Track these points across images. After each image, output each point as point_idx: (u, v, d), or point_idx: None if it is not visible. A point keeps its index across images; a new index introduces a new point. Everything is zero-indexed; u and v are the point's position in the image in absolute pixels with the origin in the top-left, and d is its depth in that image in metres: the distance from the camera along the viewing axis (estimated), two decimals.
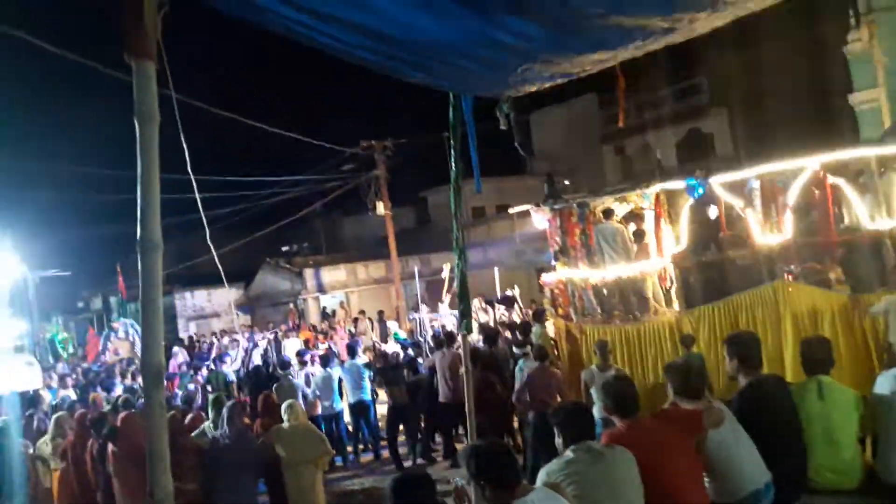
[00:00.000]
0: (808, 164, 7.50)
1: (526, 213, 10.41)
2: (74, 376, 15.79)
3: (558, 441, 3.35)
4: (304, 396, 9.92)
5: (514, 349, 8.83)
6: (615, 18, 2.87)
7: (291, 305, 26.00)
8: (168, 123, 2.37)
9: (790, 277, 7.68)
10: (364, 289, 26.85)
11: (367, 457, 10.46)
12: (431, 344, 10.85)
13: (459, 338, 6.75)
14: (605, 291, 9.10)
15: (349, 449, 10.46)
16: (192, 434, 6.78)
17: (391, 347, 12.95)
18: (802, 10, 17.31)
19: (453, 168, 5.12)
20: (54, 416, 8.40)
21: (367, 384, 10.14)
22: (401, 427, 9.88)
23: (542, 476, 3.17)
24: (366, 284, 27.09)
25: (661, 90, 28.53)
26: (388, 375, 9.98)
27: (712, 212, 8.65)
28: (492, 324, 13.54)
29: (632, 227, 9.25)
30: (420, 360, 10.83)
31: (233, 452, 6.10)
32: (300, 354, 11.98)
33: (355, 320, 18.56)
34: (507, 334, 11.42)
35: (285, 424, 6.67)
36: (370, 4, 2.56)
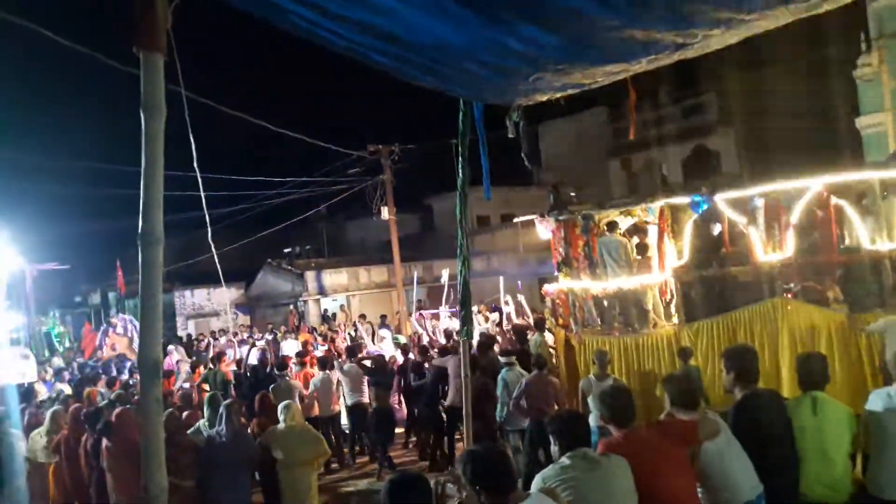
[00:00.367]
0: (812, 185, 7.53)
1: (531, 223, 10.44)
2: (70, 371, 15.77)
3: (554, 448, 3.39)
4: (301, 398, 9.90)
5: (500, 358, 8.80)
6: (629, 31, 2.89)
7: (291, 307, 25.99)
8: (172, 118, 2.36)
9: (790, 295, 7.70)
10: (365, 293, 26.83)
11: (363, 459, 10.43)
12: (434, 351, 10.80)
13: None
14: (605, 303, 9.10)
15: (346, 451, 10.44)
16: (188, 432, 6.76)
17: (387, 350, 12.94)
18: (811, 32, 17.37)
19: (460, 175, 5.14)
20: (50, 411, 8.39)
21: (366, 387, 10.13)
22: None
23: (537, 482, 3.19)
24: (367, 289, 27.07)
25: (668, 106, 28.64)
26: (375, 377, 10.03)
27: (715, 228, 8.67)
28: (491, 331, 13.51)
29: (635, 240, 9.28)
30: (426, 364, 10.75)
31: (229, 451, 6.10)
32: (299, 356, 11.97)
33: (355, 324, 18.54)
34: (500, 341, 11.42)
35: (282, 425, 6.66)
36: (383, 6, 2.57)
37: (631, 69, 3.59)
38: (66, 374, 14.98)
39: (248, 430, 7.11)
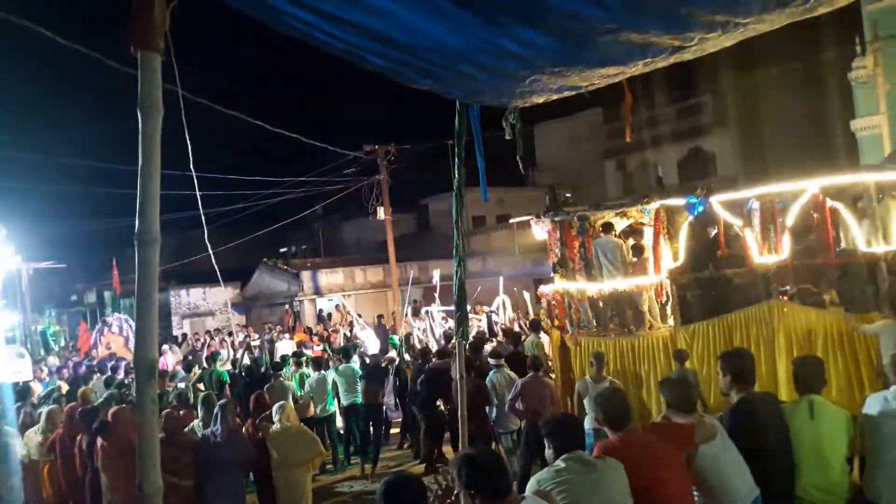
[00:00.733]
0: (807, 187, 7.54)
1: (526, 224, 10.45)
2: (68, 370, 15.73)
3: (548, 452, 3.37)
4: (296, 400, 9.90)
5: (490, 360, 8.82)
6: (626, 34, 2.90)
7: (287, 307, 25.96)
8: (168, 117, 2.36)
9: (785, 298, 7.71)
10: (361, 293, 26.82)
11: (357, 460, 10.42)
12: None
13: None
14: (601, 304, 9.12)
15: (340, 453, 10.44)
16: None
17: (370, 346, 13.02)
18: (807, 35, 17.44)
19: (456, 176, 5.13)
20: (46, 409, 8.37)
21: (360, 388, 10.13)
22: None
23: (532, 484, 3.19)
24: (363, 288, 27.07)
25: (664, 108, 28.70)
26: (366, 372, 10.10)
27: (711, 230, 8.69)
28: (487, 332, 13.54)
29: (630, 241, 9.29)
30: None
31: (224, 451, 6.09)
32: (296, 355, 11.97)
33: (351, 323, 18.55)
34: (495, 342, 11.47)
35: (277, 426, 6.65)
36: (379, 8, 2.57)
37: (627, 72, 3.60)
38: (66, 372, 14.95)
39: (243, 431, 7.10)
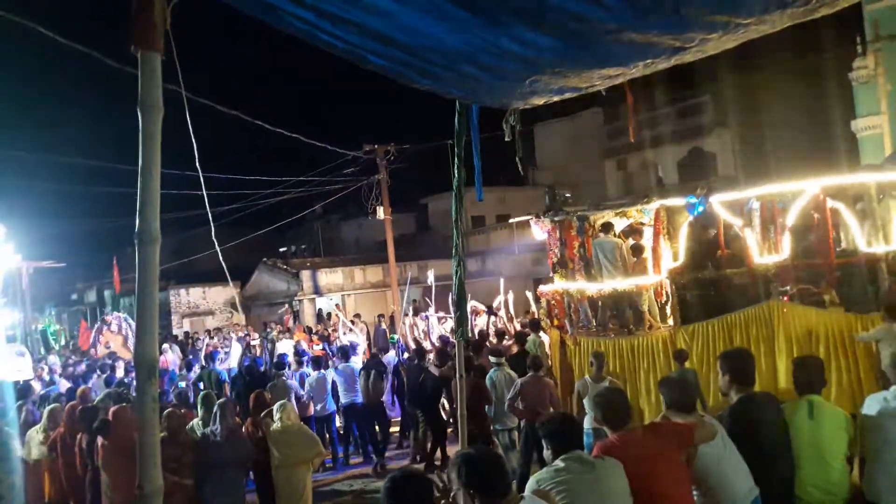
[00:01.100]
0: (808, 187, 7.54)
1: (526, 224, 10.45)
2: (73, 367, 15.74)
3: (547, 452, 3.38)
4: (298, 398, 9.93)
5: (490, 358, 8.83)
6: (627, 34, 2.89)
7: (287, 306, 25.96)
8: (170, 117, 2.36)
9: (785, 298, 7.71)
10: (361, 292, 26.82)
11: (357, 459, 10.43)
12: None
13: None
14: (600, 304, 9.11)
15: (339, 452, 10.45)
16: None
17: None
18: (808, 35, 17.43)
19: (456, 175, 5.14)
20: (48, 408, 8.38)
21: (360, 387, 10.14)
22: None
23: (531, 484, 3.18)
24: (363, 288, 27.06)
25: (665, 108, 28.69)
26: (367, 369, 10.12)
27: (711, 230, 8.69)
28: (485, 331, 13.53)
29: (630, 241, 9.28)
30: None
31: (223, 450, 6.10)
32: (298, 354, 11.98)
33: (351, 323, 18.55)
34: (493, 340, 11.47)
35: (277, 425, 6.65)
36: (381, 9, 2.57)
37: (628, 73, 3.60)
38: (71, 370, 14.96)
39: (243, 430, 7.10)
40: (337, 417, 10.66)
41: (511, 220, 24.44)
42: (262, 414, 7.02)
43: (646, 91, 25.88)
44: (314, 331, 18.64)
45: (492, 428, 8.23)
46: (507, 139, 4.66)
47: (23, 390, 10.56)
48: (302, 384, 10.43)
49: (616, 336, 8.68)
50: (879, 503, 3.90)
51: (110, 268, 26.10)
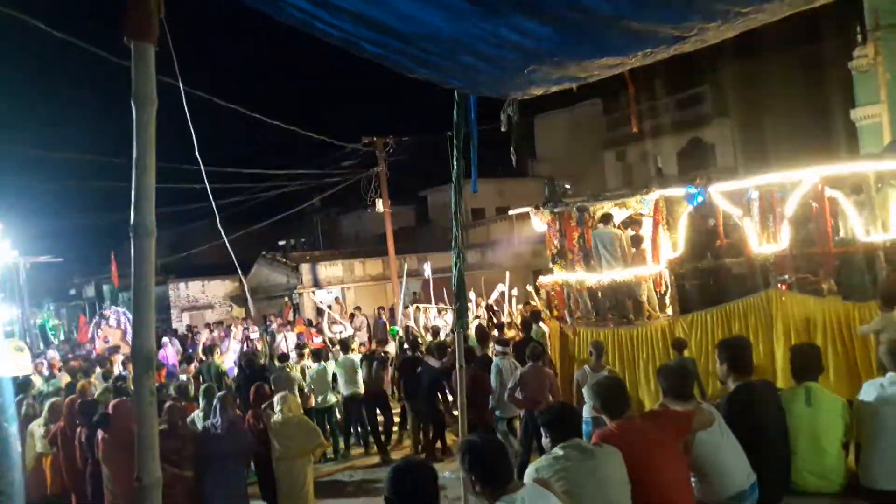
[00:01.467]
0: (807, 177, 7.53)
1: (525, 216, 10.44)
2: (74, 362, 15.75)
3: (545, 441, 3.39)
4: (301, 389, 9.98)
5: (496, 346, 8.85)
6: (626, 23, 2.88)
7: (286, 299, 25.96)
8: (163, 109, 2.35)
9: (784, 287, 7.72)
10: (360, 285, 26.82)
11: (358, 451, 10.47)
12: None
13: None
14: (599, 295, 9.12)
15: (341, 443, 10.48)
16: None
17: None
18: (807, 24, 17.37)
19: (455, 167, 5.12)
20: (48, 402, 8.40)
21: (361, 379, 10.17)
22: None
23: (530, 472, 3.20)
24: (362, 281, 27.06)
25: (664, 98, 28.59)
26: (368, 363, 10.19)
27: (710, 220, 8.68)
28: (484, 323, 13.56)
29: (630, 232, 9.29)
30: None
31: (224, 442, 6.11)
32: (299, 347, 12.01)
33: (351, 316, 18.57)
34: (495, 333, 11.52)
35: (278, 417, 6.66)
36: None
37: (627, 62, 3.58)
38: (73, 363, 14.96)
39: (245, 422, 7.12)
40: (337, 409, 10.69)
41: (511, 212, 24.42)
42: (263, 406, 7.05)
43: (646, 82, 25.80)
44: (314, 324, 18.66)
45: (494, 415, 8.29)
46: (503, 129, 4.65)
47: (23, 385, 10.58)
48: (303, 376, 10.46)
49: (615, 326, 8.70)
50: (875, 488, 3.93)
51: (108, 262, 26.08)
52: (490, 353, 9.56)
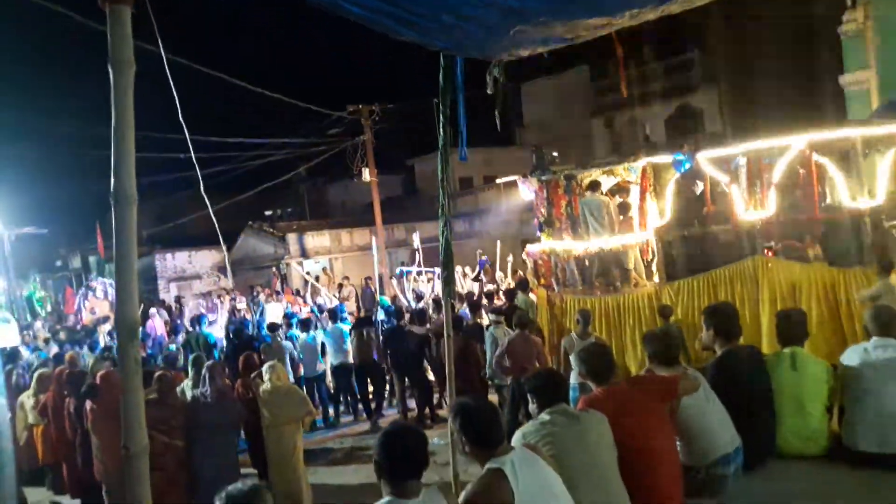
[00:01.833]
0: (794, 143, 7.52)
1: (513, 184, 10.41)
2: (62, 333, 15.68)
3: (532, 407, 3.42)
4: (292, 358, 10.02)
5: (490, 315, 8.90)
6: None
7: (274, 269, 25.88)
8: (145, 77, 2.29)
9: (770, 253, 7.77)
10: (348, 255, 26.78)
11: (347, 418, 10.56)
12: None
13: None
14: (586, 263, 9.15)
15: (330, 411, 10.58)
16: None
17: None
18: None
19: (441, 133, 5.07)
20: (37, 373, 8.39)
21: (350, 347, 10.21)
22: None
23: (518, 437, 3.22)
24: (350, 251, 27.01)
25: (651, 65, 28.41)
26: (359, 331, 10.18)
27: (698, 187, 8.68)
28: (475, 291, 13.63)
29: (617, 199, 9.29)
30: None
31: (213, 411, 6.13)
32: (287, 316, 12.02)
33: (340, 286, 18.57)
34: (485, 301, 11.58)
35: (266, 385, 6.69)
36: None
37: (614, 23, 3.52)
38: (63, 335, 14.90)
39: (234, 391, 7.15)
40: (327, 377, 10.76)
41: (498, 181, 24.34)
42: (252, 375, 7.07)
43: (633, 48, 25.56)
44: (301, 294, 18.66)
45: (490, 382, 8.38)
46: (489, 91, 4.58)
47: (11, 354, 10.55)
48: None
49: (602, 294, 8.75)
50: (857, 448, 4.00)
51: (94, 233, 25.82)
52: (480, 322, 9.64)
